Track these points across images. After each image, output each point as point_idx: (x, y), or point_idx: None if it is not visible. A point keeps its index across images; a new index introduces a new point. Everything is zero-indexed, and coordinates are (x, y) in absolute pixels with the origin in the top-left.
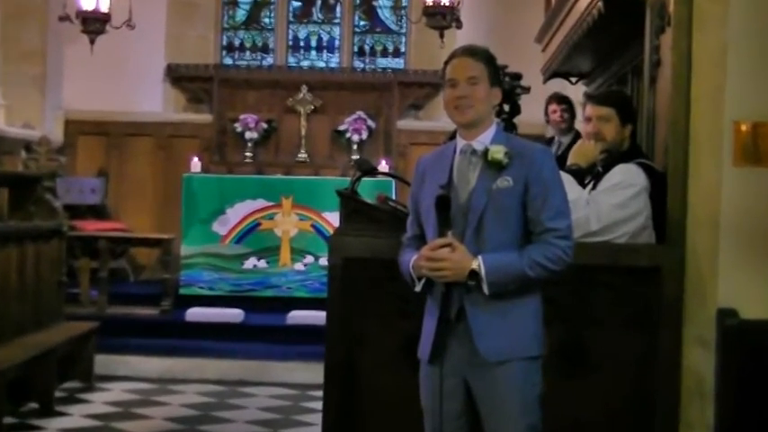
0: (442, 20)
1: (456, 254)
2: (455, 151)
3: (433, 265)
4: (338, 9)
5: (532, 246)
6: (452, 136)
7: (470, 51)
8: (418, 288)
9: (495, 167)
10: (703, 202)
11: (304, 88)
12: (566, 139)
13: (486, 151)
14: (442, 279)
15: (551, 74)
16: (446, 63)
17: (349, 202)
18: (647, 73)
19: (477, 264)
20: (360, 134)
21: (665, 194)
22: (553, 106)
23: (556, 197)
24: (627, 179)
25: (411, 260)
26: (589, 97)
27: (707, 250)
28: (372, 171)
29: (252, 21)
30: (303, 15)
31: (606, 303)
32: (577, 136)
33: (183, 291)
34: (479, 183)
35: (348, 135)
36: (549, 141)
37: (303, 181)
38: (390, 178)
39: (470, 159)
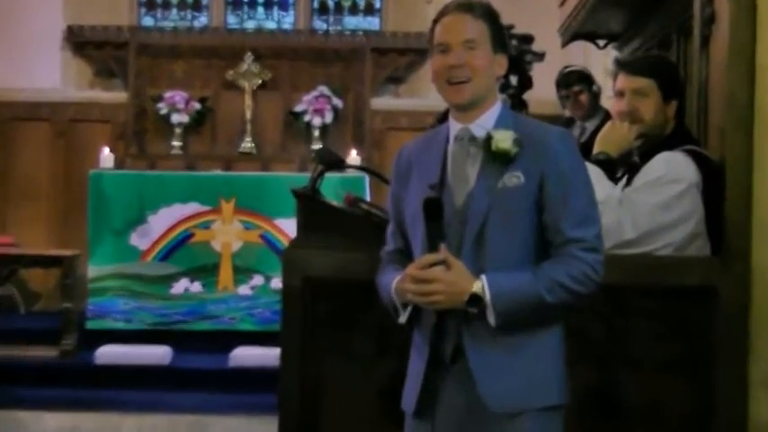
0: None
1: (452, 273)
2: (448, 139)
3: (423, 289)
4: None
5: (551, 261)
6: (443, 118)
7: (467, 6)
8: (403, 319)
9: (501, 160)
10: None
11: (248, 57)
12: (591, 124)
13: (488, 138)
14: (434, 306)
15: (572, 35)
16: (435, 22)
17: (308, 205)
18: (697, 32)
19: (480, 286)
20: (322, 117)
21: (722, 192)
22: (565, 90)
23: (580, 197)
24: (671, 172)
25: (393, 282)
26: (621, 65)
27: None
28: (339, 164)
29: None
30: None
31: (646, 336)
32: (607, 118)
33: (90, 325)
34: (480, 180)
35: (307, 118)
36: (569, 123)
37: (249, 179)
38: (363, 173)
39: (468, 149)
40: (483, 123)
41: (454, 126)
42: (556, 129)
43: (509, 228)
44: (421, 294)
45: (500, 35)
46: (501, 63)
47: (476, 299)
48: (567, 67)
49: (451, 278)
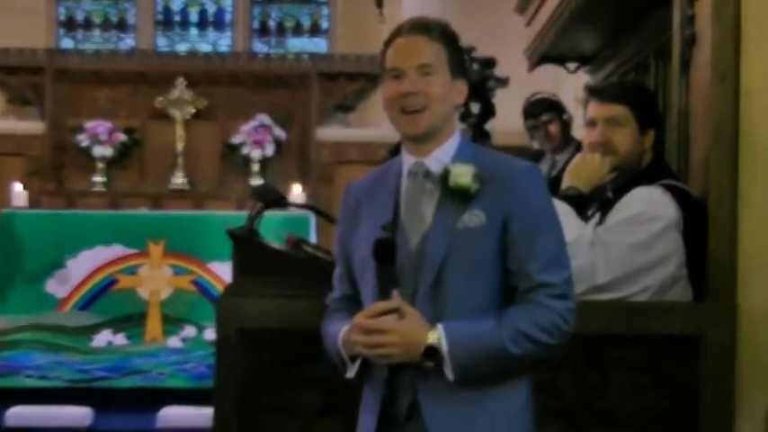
0: None
1: (405, 323)
2: (400, 174)
3: (373, 340)
4: None
5: (516, 309)
6: (396, 151)
7: (422, 27)
8: (351, 373)
9: (460, 197)
10: (762, 242)
11: (180, 83)
12: (562, 157)
13: (445, 173)
14: (386, 360)
15: (540, 58)
16: (387, 44)
17: (245, 248)
18: (677, 55)
19: (437, 336)
20: (262, 149)
21: (704, 231)
22: (533, 121)
23: (549, 239)
24: (649, 209)
25: (340, 333)
26: (593, 92)
27: None
28: (280, 202)
29: None
30: None
31: (623, 390)
32: (579, 150)
33: (0, 382)
34: (437, 220)
35: (245, 151)
36: (537, 156)
37: (180, 218)
38: (307, 212)
39: (423, 186)
40: (440, 157)
41: (408, 160)
42: (521, 163)
43: (470, 272)
44: (371, 347)
45: (459, 59)
46: (460, 90)
47: (433, 351)
48: (535, 94)
49: (405, 328)
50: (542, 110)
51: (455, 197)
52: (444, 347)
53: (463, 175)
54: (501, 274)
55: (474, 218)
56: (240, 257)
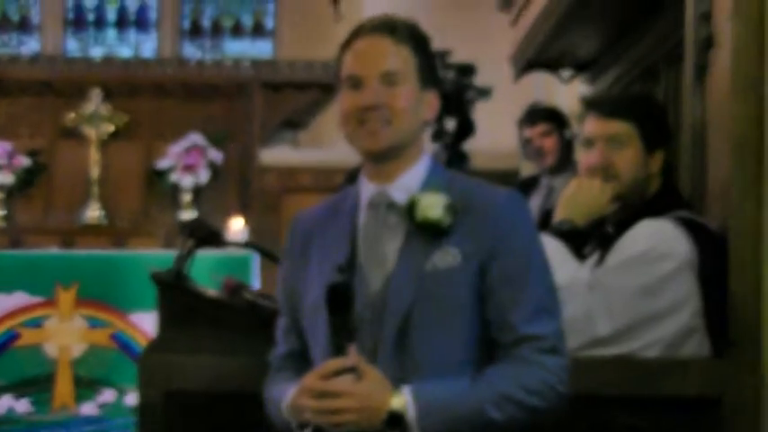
0: None
1: (364, 384)
2: (358, 205)
3: (326, 405)
4: None
5: (497, 366)
6: (353, 177)
7: (386, 27)
8: None
9: (430, 233)
10: None
11: (96, 95)
12: (561, 182)
13: (412, 205)
14: (342, 428)
15: (528, 64)
16: (344, 47)
17: (173, 295)
18: (690, 60)
19: (402, 402)
20: (195, 175)
21: (724, 272)
22: (529, 130)
23: (536, 283)
24: (657, 246)
25: (287, 396)
26: (591, 105)
27: None
28: (215, 239)
29: None
30: None
31: None
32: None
33: None
34: (403, 261)
35: (174, 177)
36: (530, 183)
37: (95, 259)
38: (248, 251)
39: (386, 219)
40: (405, 185)
41: (367, 188)
42: (502, 191)
43: (441, 323)
44: (324, 413)
45: (430, 65)
46: (431, 103)
47: (397, 418)
48: (534, 105)
49: (364, 391)
50: (539, 118)
51: (424, 233)
52: (411, 414)
53: (433, 206)
54: (478, 325)
55: (446, 257)
56: (167, 306)
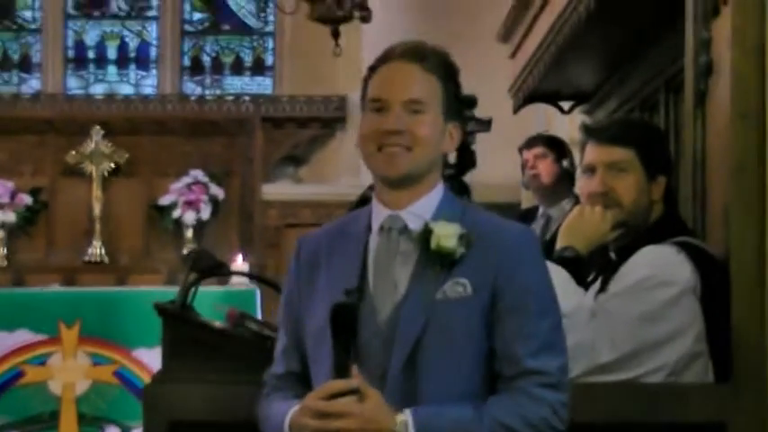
0: (337, 8)
1: (367, 406)
2: (369, 229)
3: (327, 426)
4: None
5: (499, 398)
6: (362, 202)
7: (417, 54)
8: None
9: (443, 262)
10: None
11: (97, 133)
12: (558, 212)
13: (427, 232)
14: None
15: (528, 96)
16: (372, 69)
17: (177, 325)
18: (690, 87)
19: (404, 423)
20: (197, 211)
21: (727, 297)
22: (526, 152)
23: (544, 318)
24: (660, 272)
25: (287, 416)
26: (591, 132)
27: None
28: (218, 270)
29: (0, 16)
30: (93, 4)
31: None
32: (577, 202)
33: None
34: (414, 288)
35: (176, 213)
36: (528, 215)
37: (98, 296)
38: (252, 286)
39: (398, 245)
40: (419, 211)
41: (379, 212)
42: (515, 226)
43: (450, 353)
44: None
45: (456, 97)
46: (453, 135)
47: None
48: (539, 134)
49: (366, 413)
50: (537, 142)
51: (435, 262)
52: None
53: (448, 236)
54: (485, 359)
55: (457, 288)
56: (171, 337)
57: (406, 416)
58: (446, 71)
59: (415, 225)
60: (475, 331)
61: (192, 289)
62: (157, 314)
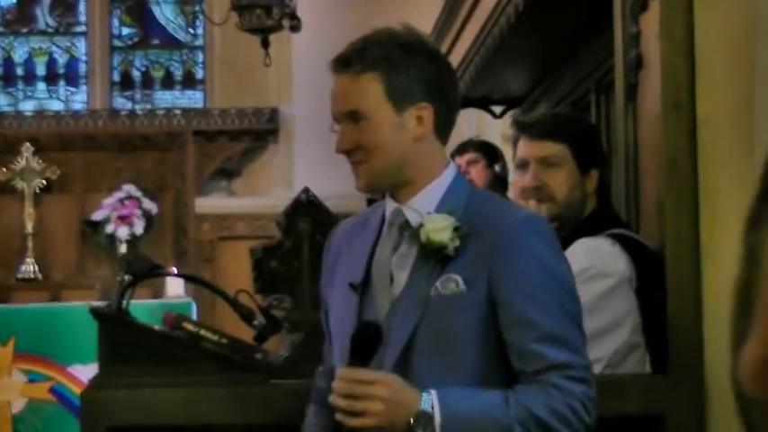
0: (266, 17)
1: (391, 387)
2: (384, 220)
3: (355, 406)
4: (82, 6)
5: (526, 388)
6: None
7: (342, 63)
8: None
9: (436, 257)
10: (729, 300)
11: (27, 149)
12: None
13: (419, 226)
14: (364, 426)
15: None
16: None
17: (113, 329)
18: (621, 82)
19: (429, 401)
20: (130, 226)
21: (662, 288)
22: (458, 158)
23: (552, 308)
24: (595, 264)
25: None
26: (522, 127)
27: None
28: (154, 271)
29: None
30: (20, 21)
31: None
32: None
33: None
34: (409, 285)
35: (110, 228)
36: None
37: (32, 313)
38: (188, 300)
39: (400, 239)
40: (419, 205)
41: (389, 204)
42: (519, 214)
43: (443, 353)
44: (350, 409)
45: (406, 76)
46: (423, 117)
47: (423, 419)
48: (470, 139)
49: (391, 395)
50: (469, 147)
51: (430, 257)
52: (437, 417)
53: (439, 230)
54: (482, 358)
55: (450, 284)
56: (107, 341)
57: (431, 397)
58: (380, 59)
59: (414, 219)
60: (470, 329)
61: (128, 292)
62: (93, 317)
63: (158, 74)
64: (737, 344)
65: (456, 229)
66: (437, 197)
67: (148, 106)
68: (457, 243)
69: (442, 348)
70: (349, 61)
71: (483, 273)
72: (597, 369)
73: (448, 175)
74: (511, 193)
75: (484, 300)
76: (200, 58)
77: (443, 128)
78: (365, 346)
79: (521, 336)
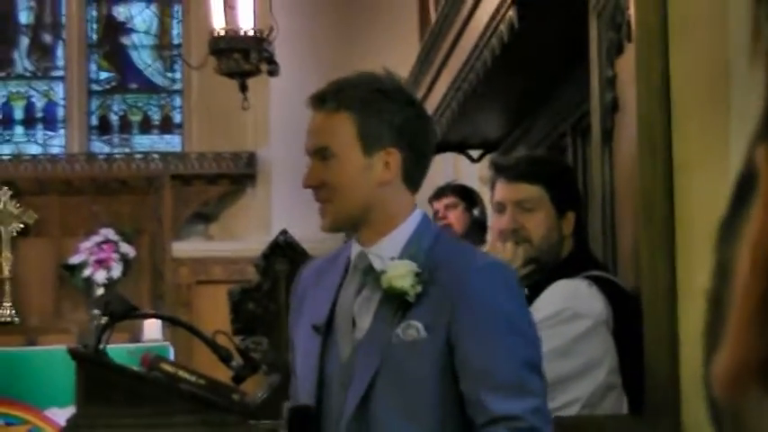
0: (244, 61)
1: None
2: (350, 261)
3: None
4: (59, 51)
5: None
6: None
7: (317, 100)
8: None
9: (398, 303)
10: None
11: (4, 193)
12: None
13: (380, 273)
14: None
15: (436, 146)
16: None
17: (91, 370)
18: (597, 125)
19: None
20: (108, 270)
21: (639, 330)
22: (436, 203)
23: (508, 354)
24: (572, 306)
25: None
26: (499, 169)
27: None
28: (131, 313)
29: None
30: None
31: None
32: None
33: None
34: (372, 330)
35: (87, 272)
36: None
37: (8, 357)
38: (165, 344)
39: (364, 281)
40: (383, 250)
41: (355, 247)
42: (481, 259)
43: (404, 398)
44: None
45: (378, 120)
46: (390, 162)
47: None
48: (448, 184)
49: None
50: (447, 191)
51: (393, 302)
52: None
53: (400, 276)
54: (442, 406)
55: (410, 330)
56: (85, 381)
57: None
58: (353, 100)
59: (378, 265)
60: (430, 376)
61: (106, 333)
62: (71, 358)
63: (136, 118)
64: (710, 354)
65: (417, 275)
66: (401, 242)
67: (126, 150)
68: (418, 289)
69: (403, 393)
70: (325, 99)
71: (443, 319)
72: (574, 410)
73: (413, 221)
74: (489, 236)
75: (444, 346)
76: (178, 102)
77: (412, 174)
78: (299, 429)
79: (473, 385)
